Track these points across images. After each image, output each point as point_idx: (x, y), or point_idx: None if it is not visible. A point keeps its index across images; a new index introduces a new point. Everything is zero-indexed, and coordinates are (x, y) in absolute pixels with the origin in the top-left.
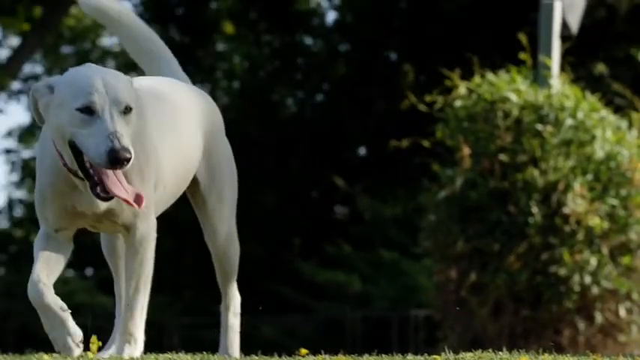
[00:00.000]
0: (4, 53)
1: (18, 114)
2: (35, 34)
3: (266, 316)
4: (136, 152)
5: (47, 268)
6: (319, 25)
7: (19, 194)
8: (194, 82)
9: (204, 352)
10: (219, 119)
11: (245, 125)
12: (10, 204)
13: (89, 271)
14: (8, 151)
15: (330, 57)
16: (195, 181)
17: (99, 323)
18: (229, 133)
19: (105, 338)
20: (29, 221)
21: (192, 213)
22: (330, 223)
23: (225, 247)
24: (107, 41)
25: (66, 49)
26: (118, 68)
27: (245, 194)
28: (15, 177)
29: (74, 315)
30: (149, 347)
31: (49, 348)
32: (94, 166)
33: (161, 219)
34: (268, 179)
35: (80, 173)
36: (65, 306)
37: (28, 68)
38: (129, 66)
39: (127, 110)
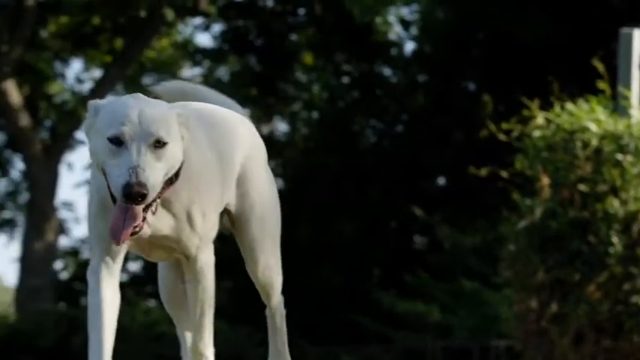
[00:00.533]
0: (86, 85)
1: None
2: (117, 65)
3: (345, 346)
4: (185, 176)
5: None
6: (398, 56)
7: None
8: (273, 113)
9: None
10: (258, 144)
11: (324, 155)
12: None
13: None
14: (89, 182)
15: (408, 87)
16: (231, 209)
17: (177, 353)
18: (309, 163)
19: None
20: None
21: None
22: (410, 253)
23: (268, 279)
24: (187, 73)
25: (147, 80)
26: None
27: (324, 224)
28: None
29: (156, 343)
30: None
31: None
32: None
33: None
34: (347, 209)
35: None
36: None
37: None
38: None
39: (160, 144)
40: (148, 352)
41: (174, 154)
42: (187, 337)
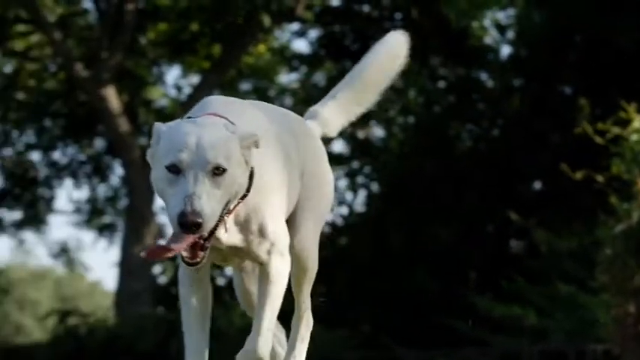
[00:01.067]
0: (185, 91)
1: None
2: (214, 71)
3: (442, 350)
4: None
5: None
6: (494, 60)
7: None
8: (369, 118)
9: None
10: (313, 140)
11: (420, 160)
12: None
13: None
14: None
15: (504, 91)
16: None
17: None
18: (404, 168)
19: None
20: None
21: (368, 248)
22: (506, 257)
23: (303, 253)
24: (285, 78)
25: (244, 86)
26: (295, 105)
27: (420, 228)
28: None
29: None
30: None
31: None
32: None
33: (339, 254)
34: (443, 213)
35: None
36: None
37: None
38: (306, 102)
39: (219, 171)
40: None
41: (235, 179)
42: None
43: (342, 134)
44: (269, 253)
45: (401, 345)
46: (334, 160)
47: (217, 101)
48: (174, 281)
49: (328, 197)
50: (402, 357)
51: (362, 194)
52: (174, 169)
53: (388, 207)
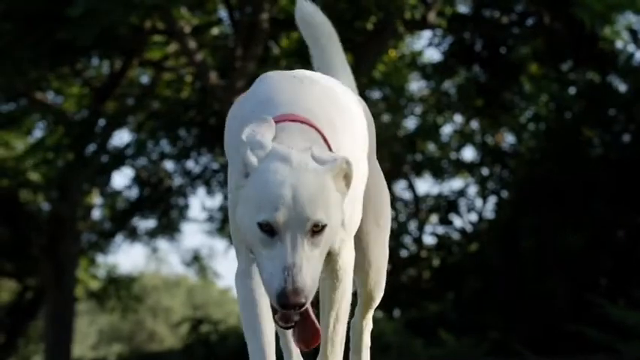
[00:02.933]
0: None
1: None
2: None
3: (572, 357)
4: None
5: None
6: (625, 65)
7: None
8: (500, 125)
9: None
10: (372, 131)
11: (550, 166)
12: None
13: (397, 312)
14: None
15: (636, 96)
16: None
17: None
18: (534, 174)
19: None
20: None
21: (498, 255)
22: (637, 264)
23: (376, 283)
24: (414, 86)
25: (375, 95)
26: (425, 113)
27: (550, 235)
28: None
29: (384, 354)
30: None
31: None
32: None
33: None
34: (573, 220)
35: None
36: None
37: None
38: (437, 109)
39: (318, 228)
40: None
41: (334, 230)
42: (294, 350)
43: (472, 141)
44: (342, 241)
45: (530, 352)
46: (465, 167)
47: (286, 89)
48: None
49: (389, 202)
50: None
51: (492, 201)
52: (269, 229)
53: (518, 213)
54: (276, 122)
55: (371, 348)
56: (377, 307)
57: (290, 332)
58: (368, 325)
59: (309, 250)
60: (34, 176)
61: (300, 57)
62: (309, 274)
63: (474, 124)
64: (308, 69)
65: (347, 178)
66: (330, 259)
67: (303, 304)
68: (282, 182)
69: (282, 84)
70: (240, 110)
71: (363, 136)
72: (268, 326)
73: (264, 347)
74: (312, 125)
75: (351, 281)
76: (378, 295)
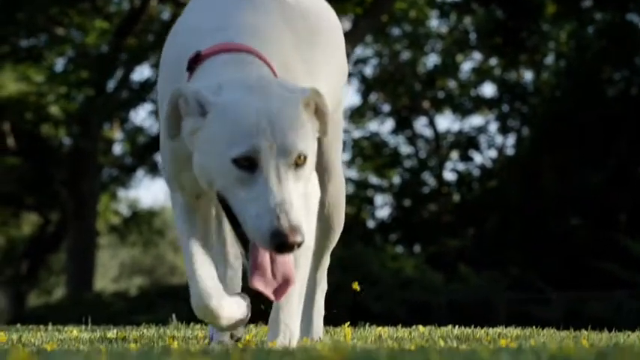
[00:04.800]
0: None
1: (349, 95)
2: (367, 17)
3: (593, 292)
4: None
5: (209, 271)
6: None
7: (350, 173)
8: (519, 64)
9: (533, 327)
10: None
11: (571, 104)
12: None
13: (417, 248)
14: None
15: None
16: None
17: (426, 298)
18: (554, 112)
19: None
20: (360, 199)
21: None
22: None
23: (335, 206)
24: (434, 23)
25: (395, 31)
26: (447, 50)
27: (571, 172)
28: (346, 156)
29: (404, 289)
30: (476, 322)
31: (381, 322)
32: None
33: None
34: (594, 157)
35: None
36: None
37: (359, 51)
38: (457, 46)
39: (301, 160)
40: (397, 298)
41: (312, 165)
42: (228, 241)
43: (492, 77)
44: (320, 173)
45: (550, 287)
46: (484, 103)
47: (224, 6)
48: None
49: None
50: (552, 299)
51: (512, 137)
52: (248, 165)
53: (538, 150)
54: (208, 55)
55: (391, 283)
56: (396, 243)
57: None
58: (323, 264)
59: (293, 183)
60: (55, 111)
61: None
62: (300, 212)
63: (493, 62)
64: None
65: (319, 111)
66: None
67: (300, 245)
68: (255, 111)
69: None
70: (171, 46)
71: (339, 65)
72: (211, 267)
73: (201, 271)
74: (256, 55)
75: (314, 222)
76: (339, 225)
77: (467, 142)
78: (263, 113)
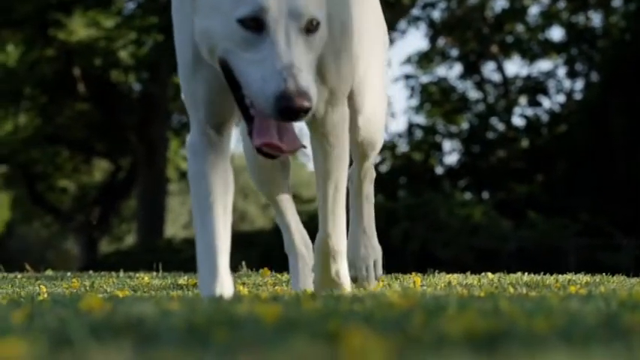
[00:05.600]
0: None
1: (416, 40)
2: None
3: None
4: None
5: (224, 253)
6: None
7: (418, 119)
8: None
9: (603, 274)
10: None
11: None
12: (410, 128)
13: (485, 195)
14: (407, 77)
15: None
16: None
17: (494, 245)
18: (625, 55)
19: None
20: (428, 145)
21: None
22: None
23: (371, 128)
24: None
25: None
26: None
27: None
28: (414, 102)
29: (472, 236)
30: (545, 268)
31: (449, 269)
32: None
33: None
34: None
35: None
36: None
37: None
38: None
39: (312, 26)
40: (464, 244)
41: (322, 35)
42: (293, 225)
43: (559, 20)
44: (327, 103)
45: (620, 232)
46: (552, 47)
47: None
48: (393, 170)
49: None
50: (622, 244)
51: (580, 82)
52: (254, 25)
53: (607, 94)
54: None
55: (460, 230)
56: (466, 189)
57: (287, 205)
58: (368, 175)
59: (303, 50)
60: (124, 56)
61: None
62: (309, 79)
63: (561, 5)
64: None
65: None
66: (317, 124)
67: (309, 111)
68: None
69: None
70: None
71: None
72: (221, 214)
73: (212, 241)
74: None
75: (345, 147)
76: (372, 149)
77: (535, 87)
78: None
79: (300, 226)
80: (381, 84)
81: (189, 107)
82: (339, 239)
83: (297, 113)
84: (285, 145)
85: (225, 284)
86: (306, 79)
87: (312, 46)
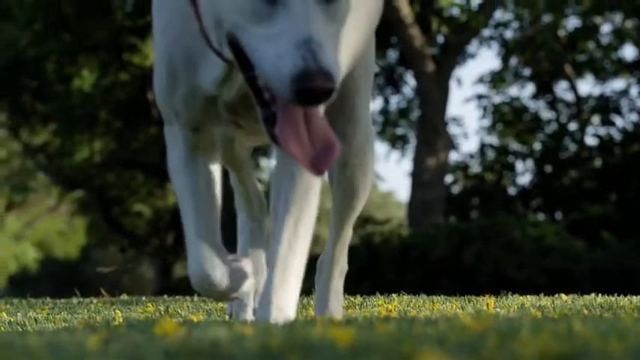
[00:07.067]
0: (475, 0)
1: (489, 59)
2: None
3: None
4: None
5: (213, 236)
6: None
7: (491, 139)
8: None
9: None
10: None
11: None
12: (482, 149)
13: (558, 215)
14: (480, 97)
15: None
16: None
17: (568, 266)
18: None
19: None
20: (500, 165)
21: None
22: None
23: (358, 162)
24: None
25: None
26: (587, 12)
27: None
28: (486, 122)
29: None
30: (619, 289)
31: (522, 290)
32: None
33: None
34: None
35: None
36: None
37: (499, 15)
38: (594, 9)
39: None
40: (537, 266)
41: (348, 5)
42: (250, 187)
43: (632, 38)
44: (344, 116)
45: None
46: (625, 66)
47: None
48: (466, 191)
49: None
50: None
51: None
52: None
53: None
54: None
55: (533, 251)
56: (537, 210)
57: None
58: (343, 237)
59: (324, 22)
60: None
61: None
62: (333, 55)
63: (632, 23)
64: None
65: None
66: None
67: (331, 92)
68: None
69: None
70: None
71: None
72: (209, 199)
73: (203, 224)
74: None
75: (319, 179)
76: (360, 195)
77: (608, 106)
78: None
79: (261, 195)
80: (368, 114)
81: (167, 114)
82: (288, 301)
83: (319, 95)
84: (317, 152)
85: (217, 265)
86: (328, 55)
87: (334, 16)
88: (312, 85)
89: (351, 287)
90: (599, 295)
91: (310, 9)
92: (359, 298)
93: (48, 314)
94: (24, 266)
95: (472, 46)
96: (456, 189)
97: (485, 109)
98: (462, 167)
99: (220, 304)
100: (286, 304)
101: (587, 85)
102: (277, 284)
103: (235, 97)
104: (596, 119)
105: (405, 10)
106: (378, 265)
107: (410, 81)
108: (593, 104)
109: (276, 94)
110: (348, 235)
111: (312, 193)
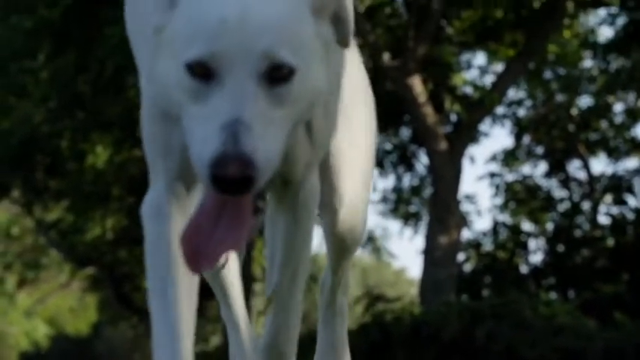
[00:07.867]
0: (488, 79)
1: (502, 138)
2: (519, 59)
3: None
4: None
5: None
6: None
7: (503, 217)
8: None
9: None
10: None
11: None
12: (495, 227)
13: (571, 294)
14: (492, 175)
15: None
16: None
17: (580, 345)
18: None
19: None
20: (513, 244)
21: None
22: None
23: (351, 218)
24: (587, 64)
25: (548, 74)
26: (600, 91)
27: None
28: (499, 200)
29: (557, 336)
30: None
31: None
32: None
33: None
34: None
35: None
36: None
37: (512, 93)
38: (607, 89)
39: (280, 72)
40: (549, 345)
41: (308, 87)
42: (242, 320)
43: None
44: (306, 167)
45: None
46: (638, 146)
47: None
48: (478, 269)
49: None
50: None
51: None
52: (203, 70)
53: None
54: None
55: (545, 330)
56: (549, 289)
57: (235, 296)
58: (343, 284)
59: (265, 104)
60: None
61: (475, 36)
62: (263, 141)
63: None
64: (480, 47)
65: (339, 19)
66: (288, 190)
67: (252, 181)
68: (227, 1)
69: None
70: None
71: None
72: (185, 287)
73: (173, 322)
74: None
75: (312, 222)
76: (354, 243)
77: (621, 185)
78: (237, 5)
79: (248, 323)
80: (369, 167)
81: (153, 153)
82: (288, 341)
83: (233, 184)
84: (204, 255)
85: None
86: (255, 139)
87: (282, 98)
88: (225, 172)
89: None
90: None
91: (245, 87)
92: None
93: None
94: (35, 343)
95: (485, 124)
96: (468, 267)
97: (497, 187)
98: (475, 245)
99: None
100: (286, 343)
101: (600, 164)
102: (281, 329)
103: None
104: (608, 198)
105: (418, 88)
106: (390, 343)
107: (422, 159)
108: (606, 183)
109: (200, 179)
110: (347, 276)
111: (308, 239)
